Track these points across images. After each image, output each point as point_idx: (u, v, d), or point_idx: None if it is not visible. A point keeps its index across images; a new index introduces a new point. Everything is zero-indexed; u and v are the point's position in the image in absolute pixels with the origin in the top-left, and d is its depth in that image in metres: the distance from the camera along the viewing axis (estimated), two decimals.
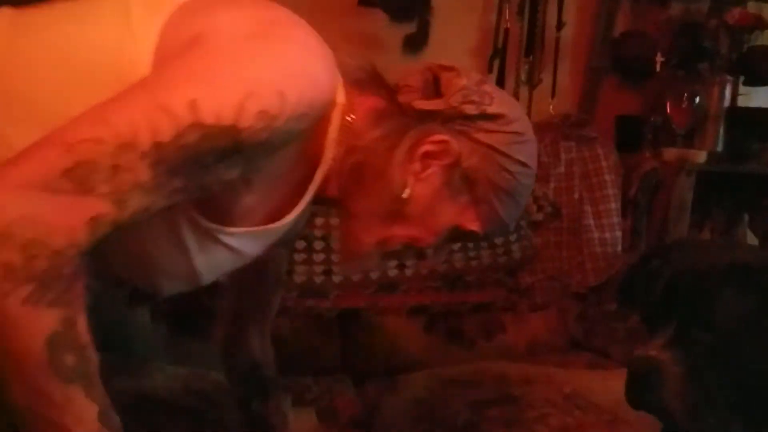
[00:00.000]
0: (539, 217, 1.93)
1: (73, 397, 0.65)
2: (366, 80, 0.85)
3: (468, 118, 0.83)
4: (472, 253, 1.82)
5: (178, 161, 0.66)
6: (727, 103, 2.24)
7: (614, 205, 1.95)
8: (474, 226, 0.87)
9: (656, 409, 0.84)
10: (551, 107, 2.19)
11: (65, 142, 0.63)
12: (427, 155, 0.82)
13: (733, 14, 2.25)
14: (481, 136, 0.83)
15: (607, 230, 1.93)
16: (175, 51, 0.70)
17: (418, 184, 0.82)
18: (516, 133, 0.85)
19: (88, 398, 0.66)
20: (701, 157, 2.06)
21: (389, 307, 1.77)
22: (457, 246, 1.81)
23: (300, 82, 0.70)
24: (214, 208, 0.77)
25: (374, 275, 1.76)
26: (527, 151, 0.86)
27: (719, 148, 2.19)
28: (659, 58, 2.19)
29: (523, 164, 0.85)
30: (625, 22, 2.32)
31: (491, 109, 0.83)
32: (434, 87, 0.86)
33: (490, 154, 0.83)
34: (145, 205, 0.67)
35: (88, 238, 0.64)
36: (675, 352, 0.80)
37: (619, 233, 1.95)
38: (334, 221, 1.75)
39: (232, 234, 0.81)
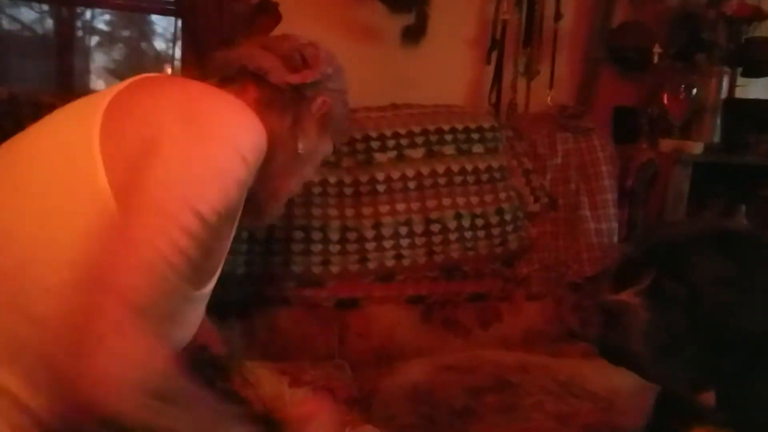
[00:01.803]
0: (536, 207, 1.94)
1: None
2: (236, 76, 1.00)
3: (329, 76, 1.08)
4: (468, 244, 1.83)
5: (198, 248, 0.77)
6: (724, 94, 2.25)
7: (610, 196, 1.96)
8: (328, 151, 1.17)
9: (623, 355, 0.85)
10: (549, 98, 2.19)
11: (118, 291, 0.71)
12: (313, 114, 1.06)
13: (731, 5, 2.25)
14: (334, 85, 1.09)
15: (603, 221, 1.94)
16: (130, 152, 0.78)
17: (306, 138, 1.05)
18: (342, 69, 1.13)
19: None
20: (698, 148, 2.07)
21: (386, 296, 1.78)
22: (454, 236, 1.82)
23: (248, 138, 0.85)
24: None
25: (371, 265, 1.77)
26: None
27: (716, 139, 2.20)
28: (657, 49, 2.20)
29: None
30: (623, 13, 2.33)
31: (336, 63, 1.11)
32: (301, 61, 1.05)
33: (340, 96, 1.11)
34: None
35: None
36: (646, 299, 0.82)
37: (615, 224, 1.96)
38: (332, 212, 1.76)
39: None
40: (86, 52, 2.58)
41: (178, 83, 0.90)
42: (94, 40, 2.66)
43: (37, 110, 1.24)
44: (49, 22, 2.34)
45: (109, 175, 0.77)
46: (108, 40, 2.67)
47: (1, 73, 2.29)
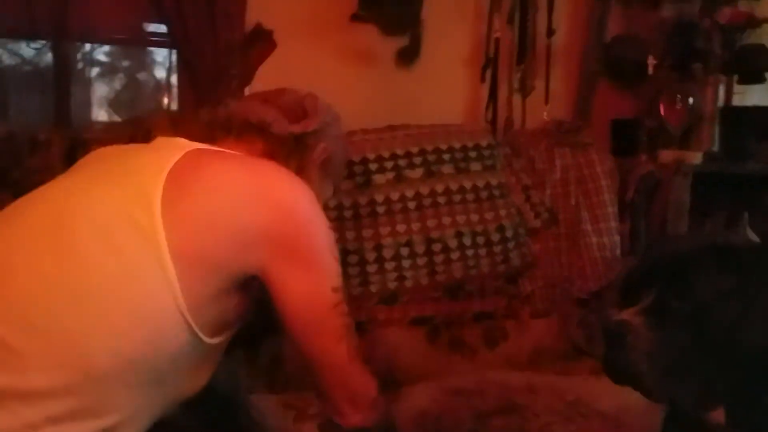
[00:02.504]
0: (537, 224, 1.93)
1: None
2: (241, 130, 1.04)
3: (328, 124, 1.11)
4: (471, 262, 1.82)
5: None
6: (721, 102, 2.25)
7: (611, 210, 1.95)
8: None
9: (628, 375, 0.84)
10: (545, 114, 2.19)
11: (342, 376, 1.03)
12: (314, 161, 1.09)
13: (725, 14, 2.25)
14: (332, 131, 1.12)
15: (605, 235, 1.93)
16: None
17: (311, 184, 1.03)
18: (338, 118, 1.17)
19: None
20: (697, 157, 2.06)
21: (390, 319, 1.77)
22: (456, 255, 1.81)
23: (315, 205, 0.97)
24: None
25: (374, 288, 1.76)
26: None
27: (715, 148, 2.19)
28: (652, 61, 2.20)
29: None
30: (616, 25, 2.33)
31: (333, 112, 1.14)
32: (301, 111, 1.09)
33: (339, 141, 1.15)
34: None
35: None
36: (649, 318, 0.81)
37: (617, 237, 1.95)
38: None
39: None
40: (85, 84, 2.60)
41: (234, 165, 0.95)
42: (94, 71, 2.68)
43: (35, 147, 1.24)
44: (48, 57, 2.36)
45: (182, 284, 0.83)
46: (107, 71, 2.69)
47: (2, 110, 2.31)
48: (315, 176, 1.08)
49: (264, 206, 0.90)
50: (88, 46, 2.53)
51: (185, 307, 0.83)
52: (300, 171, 1.03)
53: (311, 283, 0.93)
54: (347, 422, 0.98)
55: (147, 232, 0.82)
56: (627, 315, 0.82)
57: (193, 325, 0.84)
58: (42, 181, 0.94)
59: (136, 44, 2.34)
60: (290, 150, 1.05)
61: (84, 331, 0.80)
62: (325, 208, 1.72)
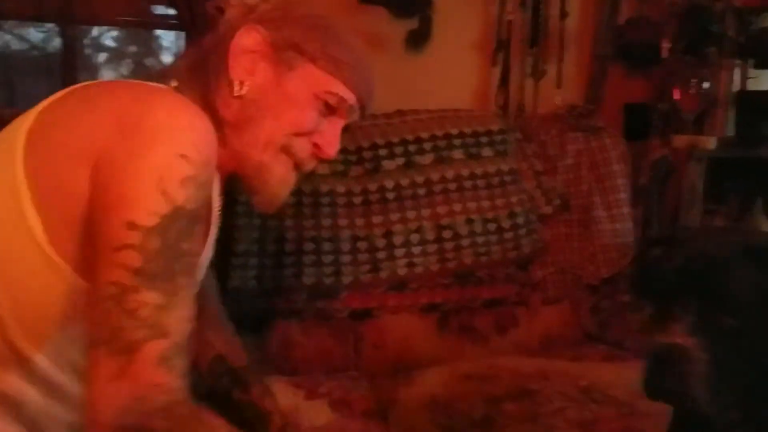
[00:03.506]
0: (548, 210, 1.91)
1: None
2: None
3: (252, 8, 0.91)
4: (481, 249, 1.81)
5: (163, 265, 0.70)
6: (736, 87, 2.21)
7: (624, 195, 1.93)
8: (332, 86, 0.92)
9: (678, 399, 0.82)
10: (557, 98, 2.17)
11: (93, 341, 0.68)
12: (244, 50, 0.89)
13: None
14: (273, 14, 0.91)
15: (617, 221, 1.91)
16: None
17: (252, 78, 0.89)
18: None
19: None
20: (711, 143, 2.03)
21: (400, 305, 1.76)
22: (466, 242, 1.80)
23: (188, 136, 0.75)
24: None
25: (384, 274, 1.75)
26: None
27: (730, 133, 2.16)
28: (665, 44, 2.16)
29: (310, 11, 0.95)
30: (630, 8, 2.29)
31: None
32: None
33: (287, 18, 0.92)
34: (179, 315, 0.71)
35: (176, 373, 0.69)
36: (699, 338, 0.79)
37: (630, 223, 1.93)
38: (342, 221, 1.74)
39: None
40: (94, 70, 2.59)
41: (107, 93, 0.81)
42: (102, 57, 2.67)
43: None
44: (56, 41, 2.35)
45: (45, 220, 0.74)
46: (115, 56, 2.68)
47: (9, 95, 2.30)
48: (250, 67, 0.89)
49: (109, 117, 0.76)
50: (95, 31, 2.52)
51: (46, 240, 0.74)
52: (225, 69, 0.87)
53: (108, 201, 0.72)
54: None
55: (4, 164, 0.76)
56: (677, 337, 0.79)
57: (58, 259, 0.75)
58: None
59: (145, 27, 2.32)
60: (213, 55, 0.89)
61: None
62: (335, 194, 1.73)
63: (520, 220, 1.85)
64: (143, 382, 0.66)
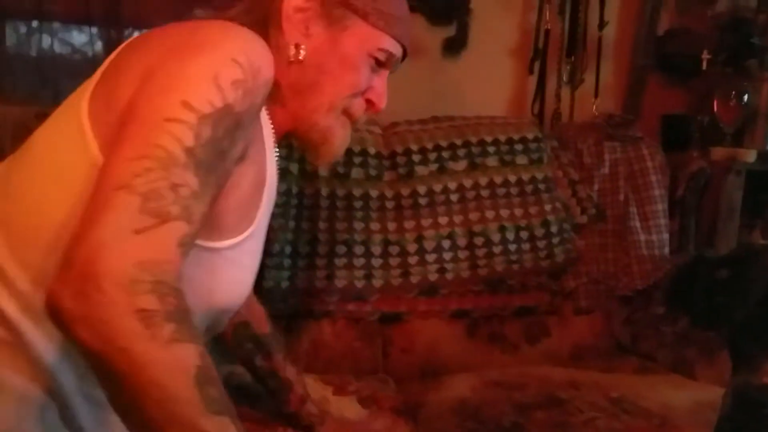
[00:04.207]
0: (583, 219, 1.89)
1: (226, 429, 0.65)
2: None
3: None
4: (513, 257, 1.80)
5: (209, 156, 0.70)
6: None
7: (661, 207, 1.90)
8: (383, 42, 0.92)
9: None
10: (594, 107, 2.15)
11: (121, 185, 0.65)
12: (296, 10, 0.88)
13: None
14: None
15: (653, 232, 1.88)
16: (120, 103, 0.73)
17: (309, 41, 0.89)
18: None
19: (234, 426, 0.66)
20: (751, 156, 2.00)
21: (430, 311, 1.76)
22: (498, 249, 1.79)
23: (240, 45, 0.76)
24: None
25: (414, 279, 1.75)
26: None
27: None
28: (705, 56, 2.14)
29: None
30: (669, 19, 2.28)
31: None
32: None
33: None
34: (202, 211, 0.70)
35: (182, 264, 0.66)
36: None
37: (666, 235, 1.90)
38: (374, 225, 1.75)
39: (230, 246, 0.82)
40: None
41: (165, 28, 0.81)
42: None
43: None
44: (99, 45, 2.41)
45: (96, 131, 0.74)
46: None
47: (56, 96, 2.36)
48: (318, 32, 0.89)
49: (161, 40, 0.77)
50: (136, 34, 2.58)
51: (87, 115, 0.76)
52: (276, 29, 0.87)
53: (161, 84, 0.71)
54: (55, 293, 0.62)
55: (75, 107, 0.77)
56: (766, 377, 0.76)
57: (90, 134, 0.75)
58: None
59: None
60: (259, 9, 0.89)
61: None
62: (368, 198, 1.73)
63: (553, 228, 1.84)
64: (163, 251, 0.64)
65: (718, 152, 2.02)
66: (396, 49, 0.95)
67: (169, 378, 0.62)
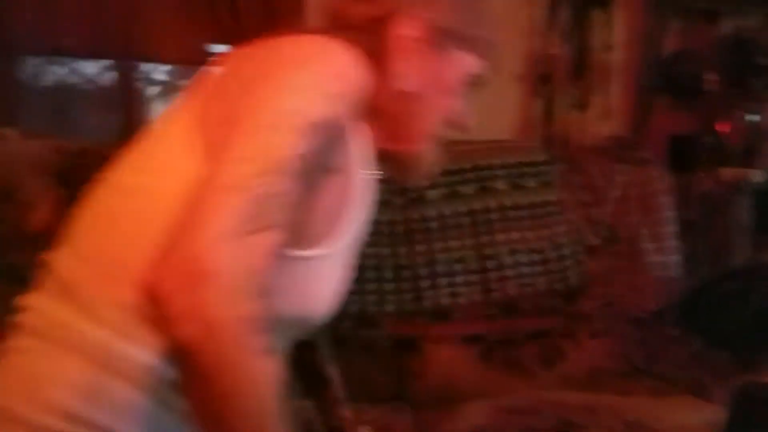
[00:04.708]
0: (595, 241, 1.90)
1: None
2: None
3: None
4: (526, 280, 1.80)
5: (311, 165, 0.71)
6: None
7: (671, 228, 1.90)
8: (480, 67, 0.93)
9: None
10: (603, 130, 2.16)
11: (233, 186, 0.65)
12: (407, 40, 0.87)
13: None
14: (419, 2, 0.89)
15: (665, 254, 1.89)
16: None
17: (417, 72, 0.88)
18: None
19: None
20: (759, 175, 2.01)
21: (443, 335, 1.76)
22: (511, 273, 1.79)
23: (345, 61, 0.77)
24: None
25: (427, 303, 1.75)
26: None
27: None
28: (711, 76, 2.16)
29: None
30: (675, 40, 2.29)
31: None
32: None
33: (434, 3, 0.89)
34: (293, 220, 0.70)
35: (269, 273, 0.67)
36: None
37: (677, 256, 1.90)
38: (385, 250, 1.76)
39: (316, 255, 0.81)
40: (146, 102, 2.68)
41: (271, 42, 0.82)
42: (154, 90, 2.76)
43: (105, 163, 1.28)
44: (111, 75, 2.45)
45: (206, 148, 0.73)
46: (168, 89, 2.77)
47: (70, 127, 2.40)
48: (406, 62, 0.87)
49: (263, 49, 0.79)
50: (148, 65, 2.62)
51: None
52: (383, 56, 0.86)
53: (272, 87, 0.72)
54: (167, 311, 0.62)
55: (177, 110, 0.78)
56: None
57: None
58: None
59: (198, 64, 2.39)
60: (367, 36, 0.86)
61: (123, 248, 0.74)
62: (378, 223, 1.73)
63: (565, 251, 1.84)
64: (264, 258, 0.65)
65: (726, 173, 2.03)
66: (485, 71, 0.95)
67: (258, 388, 0.63)
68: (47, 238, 0.84)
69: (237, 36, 1.92)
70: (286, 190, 0.68)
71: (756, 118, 2.10)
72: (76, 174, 1.53)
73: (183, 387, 0.66)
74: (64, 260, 0.79)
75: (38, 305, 0.78)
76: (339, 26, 0.88)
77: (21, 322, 0.78)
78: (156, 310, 0.62)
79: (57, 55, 2.32)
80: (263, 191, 0.66)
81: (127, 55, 2.20)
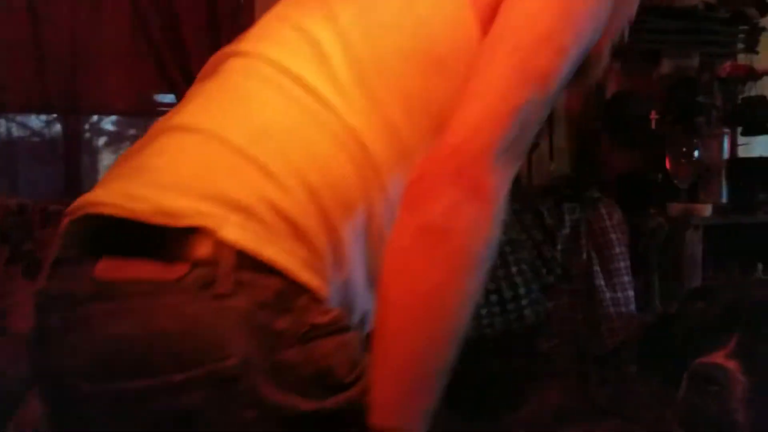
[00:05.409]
0: (550, 279, 1.91)
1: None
2: None
3: None
4: (484, 321, 1.78)
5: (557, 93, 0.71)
6: (727, 154, 2.25)
7: (623, 264, 1.93)
8: None
9: (715, 422, 0.81)
10: (552, 169, 2.19)
11: (507, 103, 0.66)
12: None
13: (725, 67, 2.29)
14: None
15: (618, 290, 1.90)
16: None
17: None
18: None
19: None
20: (707, 210, 2.05)
21: None
22: None
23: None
24: None
25: None
26: None
27: (724, 200, 2.18)
28: (654, 116, 2.21)
29: None
30: (617, 81, 2.35)
31: None
32: None
33: None
34: None
35: None
36: (741, 362, 0.80)
37: (631, 292, 1.92)
38: None
39: None
40: (94, 153, 2.62)
41: None
42: (102, 140, 2.71)
43: (47, 219, 1.24)
44: (57, 128, 2.40)
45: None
46: (115, 139, 2.73)
47: (11, 182, 2.32)
48: None
49: None
50: (95, 116, 2.57)
51: None
52: None
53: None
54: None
55: None
56: (718, 358, 0.80)
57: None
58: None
59: (145, 115, 2.36)
60: None
61: None
62: None
63: (521, 290, 1.84)
64: (507, 187, 0.68)
65: (675, 208, 2.06)
66: None
67: (465, 309, 0.67)
68: None
69: (185, 85, 1.91)
70: (539, 122, 0.69)
71: (701, 154, 2.15)
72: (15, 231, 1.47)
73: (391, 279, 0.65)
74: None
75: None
76: None
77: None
78: (423, 182, 0.65)
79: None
80: (531, 119, 0.67)
81: (72, 107, 2.16)
